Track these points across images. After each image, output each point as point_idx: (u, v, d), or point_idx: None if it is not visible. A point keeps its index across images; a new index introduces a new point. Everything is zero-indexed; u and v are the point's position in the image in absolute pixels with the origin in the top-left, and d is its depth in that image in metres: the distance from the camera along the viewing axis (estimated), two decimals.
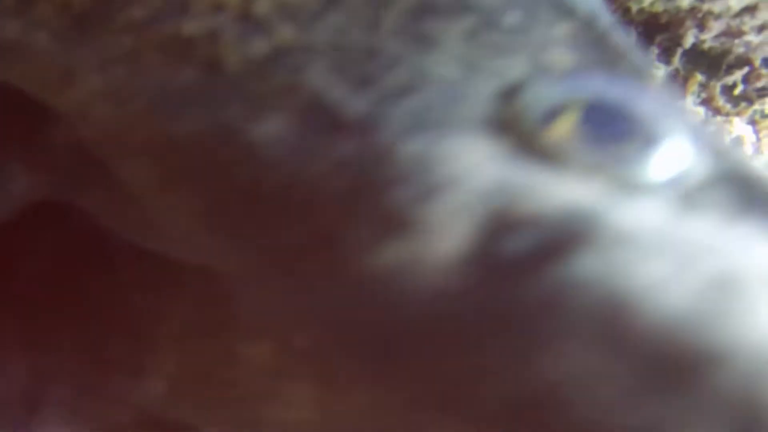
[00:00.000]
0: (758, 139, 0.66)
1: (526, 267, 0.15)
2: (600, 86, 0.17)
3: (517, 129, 0.16)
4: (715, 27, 0.57)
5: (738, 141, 0.65)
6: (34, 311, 0.25)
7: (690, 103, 0.63)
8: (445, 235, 0.15)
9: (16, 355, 0.25)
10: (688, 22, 0.58)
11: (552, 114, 0.16)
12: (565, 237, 0.15)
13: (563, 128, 0.16)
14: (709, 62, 0.61)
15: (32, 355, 0.25)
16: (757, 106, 0.64)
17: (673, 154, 0.17)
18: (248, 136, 0.16)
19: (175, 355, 0.24)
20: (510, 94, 0.17)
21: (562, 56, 0.18)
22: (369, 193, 0.15)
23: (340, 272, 0.15)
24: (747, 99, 0.64)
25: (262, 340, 0.22)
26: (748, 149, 0.66)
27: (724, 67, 0.61)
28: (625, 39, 0.20)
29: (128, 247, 0.23)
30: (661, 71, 0.58)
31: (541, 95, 0.17)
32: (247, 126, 0.16)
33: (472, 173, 0.15)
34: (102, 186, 0.22)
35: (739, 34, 0.58)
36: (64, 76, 0.19)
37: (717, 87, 0.62)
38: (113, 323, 0.24)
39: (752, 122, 0.66)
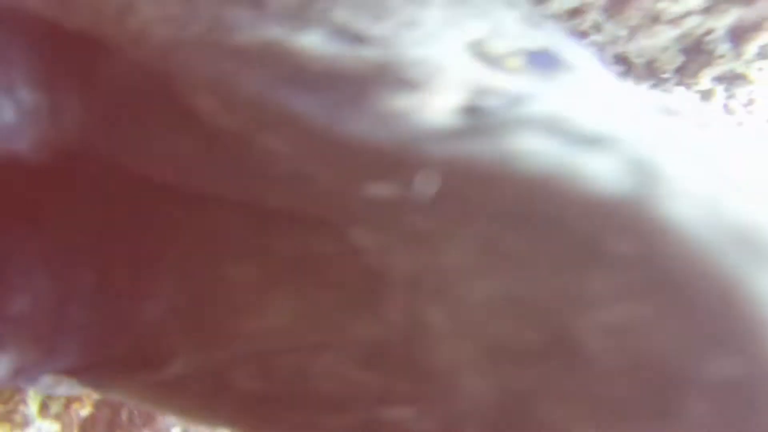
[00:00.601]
0: None
1: (499, 115, 0.20)
2: (539, 43, 0.23)
3: (485, 55, 0.23)
4: None
5: None
6: (57, 240, 0.28)
7: None
8: (442, 93, 0.21)
9: (42, 277, 0.28)
10: None
11: (508, 55, 0.23)
12: (521, 98, 0.21)
13: (516, 61, 0.23)
14: None
15: (56, 279, 0.28)
16: None
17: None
18: (293, 44, 0.22)
19: (174, 279, 0.27)
20: (476, 43, 0.22)
21: (512, 25, 0.25)
22: (390, 71, 0.21)
23: (362, 109, 0.21)
24: None
25: (249, 261, 0.25)
26: None
27: None
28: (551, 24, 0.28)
29: (141, 185, 0.27)
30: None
31: (499, 45, 0.23)
32: (291, 38, 0.22)
33: (459, 63, 0.22)
34: (132, 122, 0.26)
35: None
36: (123, 8, 0.23)
37: None
38: (124, 252, 0.28)
39: None
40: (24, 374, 0.27)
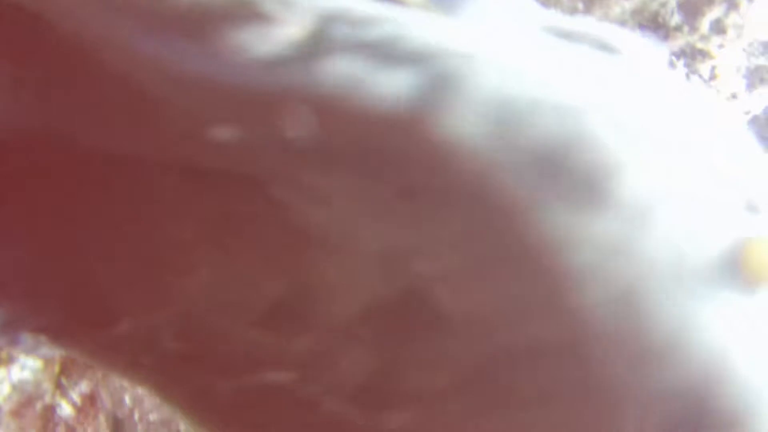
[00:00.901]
0: None
1: (334, 41, 0.19)
2: None
3: None
4: None
5: None
6: (24, 207, 0.29)
7: None
8: (288, 24, 0.20)
9: (17, 237, 0.30)
10: None
11: None
12: (368, 22, 0.20)
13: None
14: None
15: (28, 239, 0.30)
16: None
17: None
18: None
19: (115, 238, 0.28)
20: None
21: None
22: (247, 7, 0.20)
23: (206, 47, 0.20)
24: None
25: (180, 218, 0.27)
26: None
27: None
28: None
29: (88, 154, 0.28)
30: None
31: None
32: None
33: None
34: (67, 91, 0.27)
35: None
36: None
37: None
38: (77, 216, 0.29)
39: None
40: (11, 327, 0.29)
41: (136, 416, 0.39)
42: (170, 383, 0.28)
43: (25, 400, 0.39)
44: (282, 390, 0.25)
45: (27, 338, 0.31)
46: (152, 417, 0.39)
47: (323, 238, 0.23)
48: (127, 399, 0.40)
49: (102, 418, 0.39)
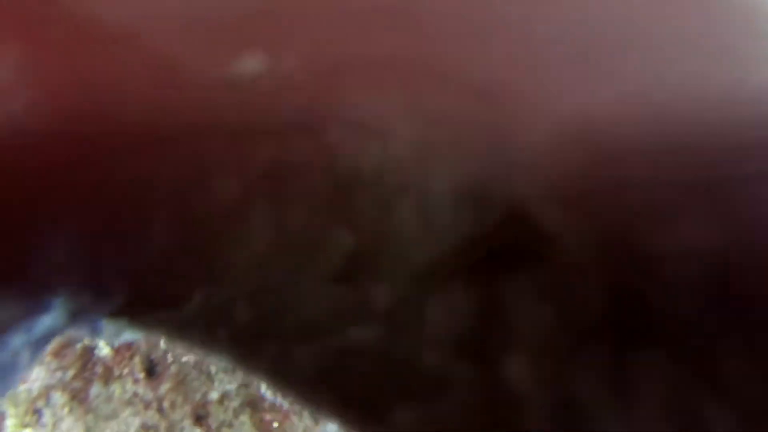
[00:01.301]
0: None
1: None
2: None
3: None
4: None
5: None
6: (70, 191, 0.31)
7: None
8: None
9: (69, 225, 0.31)
10: None
11: None
12: None
13: None
14: None
15: (82, 225, 0.32)
16: None
17: None
18: None
19: (169, 203, 0.30)
20: None
21: None
22: None
23: None
24: None
25: (229, 173, 0.26)
26: None
27: None
28: None
29: (124, 132, 0.30)
30: None
31: None
32: None
33: None
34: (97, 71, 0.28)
35: None
36: None
37: None
38: (125, 194, 0.31)
39: None
40: (80, 318, 0.31)
41: (170, 358, 0.40)
42: (248, 354, 0.29)
43: (66, 341, 0.42)
44: (371, 347, 0.25)
45: (107, 325, 0.34)
46: (185, 359, 0.40)
47: (382, 178, 0.23)
48: (162, 342, 0.41)
49: (137, 359, 0.41)
